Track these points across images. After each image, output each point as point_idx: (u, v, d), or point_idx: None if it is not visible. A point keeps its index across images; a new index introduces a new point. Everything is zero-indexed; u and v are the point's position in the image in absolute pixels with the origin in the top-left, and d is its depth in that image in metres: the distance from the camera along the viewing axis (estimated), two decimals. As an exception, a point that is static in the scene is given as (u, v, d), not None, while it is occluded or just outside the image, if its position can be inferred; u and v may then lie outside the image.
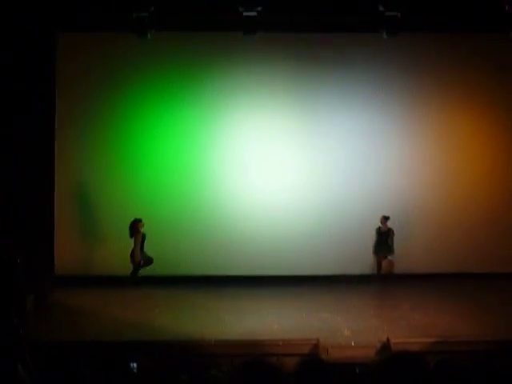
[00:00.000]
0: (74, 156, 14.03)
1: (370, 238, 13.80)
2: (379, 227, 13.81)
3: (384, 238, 13.74)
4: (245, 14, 11.11)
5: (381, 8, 11.13)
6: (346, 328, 10.96)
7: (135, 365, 7.79)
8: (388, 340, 10.06)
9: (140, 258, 13.61)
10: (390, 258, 13.78)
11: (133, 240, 13.52)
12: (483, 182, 14.43)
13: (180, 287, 13.43)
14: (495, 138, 14.48)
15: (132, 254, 13.59)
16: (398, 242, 14.08)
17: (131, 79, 14.03)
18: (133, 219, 13.47)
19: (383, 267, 13.92)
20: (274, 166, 14.25)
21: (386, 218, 13.74)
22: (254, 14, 11.07)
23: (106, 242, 14.10)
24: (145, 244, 13.66)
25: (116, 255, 13.97)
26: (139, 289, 13.29)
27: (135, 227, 13.47)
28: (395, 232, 13.94)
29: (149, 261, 13.70)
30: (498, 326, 10.87)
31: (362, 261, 13.99)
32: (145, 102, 14.06)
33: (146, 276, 13.78)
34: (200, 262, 14.05)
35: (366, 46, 13.95)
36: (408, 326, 11.04)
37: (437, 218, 14.30)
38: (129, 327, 11.12)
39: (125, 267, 13.84)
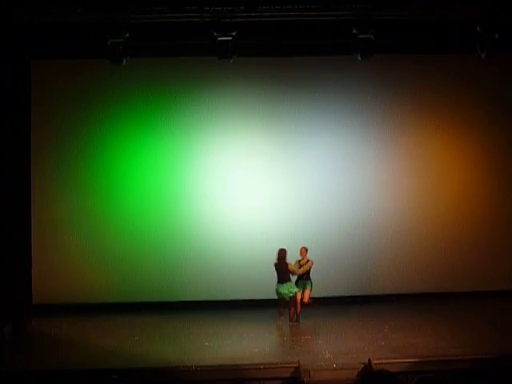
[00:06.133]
0: (50, 185, 13.94)
1: (349, 259, 13.76)
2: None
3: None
4: (219, 38, 11.16)
5: (354, 31, 11.22)
6: (327, 350, 10.94)
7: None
8: (369, 361, 10.06)
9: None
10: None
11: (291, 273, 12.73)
12: (459, 203, 14.48)
13: (159, 314, 13.34)
14: (471, 157, 14.57)
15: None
16: (373, 263, 14.14)
17: (107, 105, 13.97)
18: (279, 249, 12.70)
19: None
20: (253, 190, 14.22)
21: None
22: (228, 38, 11.12)
23: (83, 270, 13.94)
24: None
25: (93, 283, 13.87)
26: (118, 316, 13.21)
27: (284, 256, 12.63)
28: (372, 254, 14.01)
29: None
30: (476, 345, 10.95)
31: (342, 283, 13.97)
32: (121, 128, 14.00)
33: (127, 303, 13.71)
34: (179, 288, 13.98)
35: (340, 69, 14.06)
36: (389, 347, 11.05)
37: (413, 239, 14.31)
38: (109, 355, 11.01)
39: (102, 295, 13.77)
